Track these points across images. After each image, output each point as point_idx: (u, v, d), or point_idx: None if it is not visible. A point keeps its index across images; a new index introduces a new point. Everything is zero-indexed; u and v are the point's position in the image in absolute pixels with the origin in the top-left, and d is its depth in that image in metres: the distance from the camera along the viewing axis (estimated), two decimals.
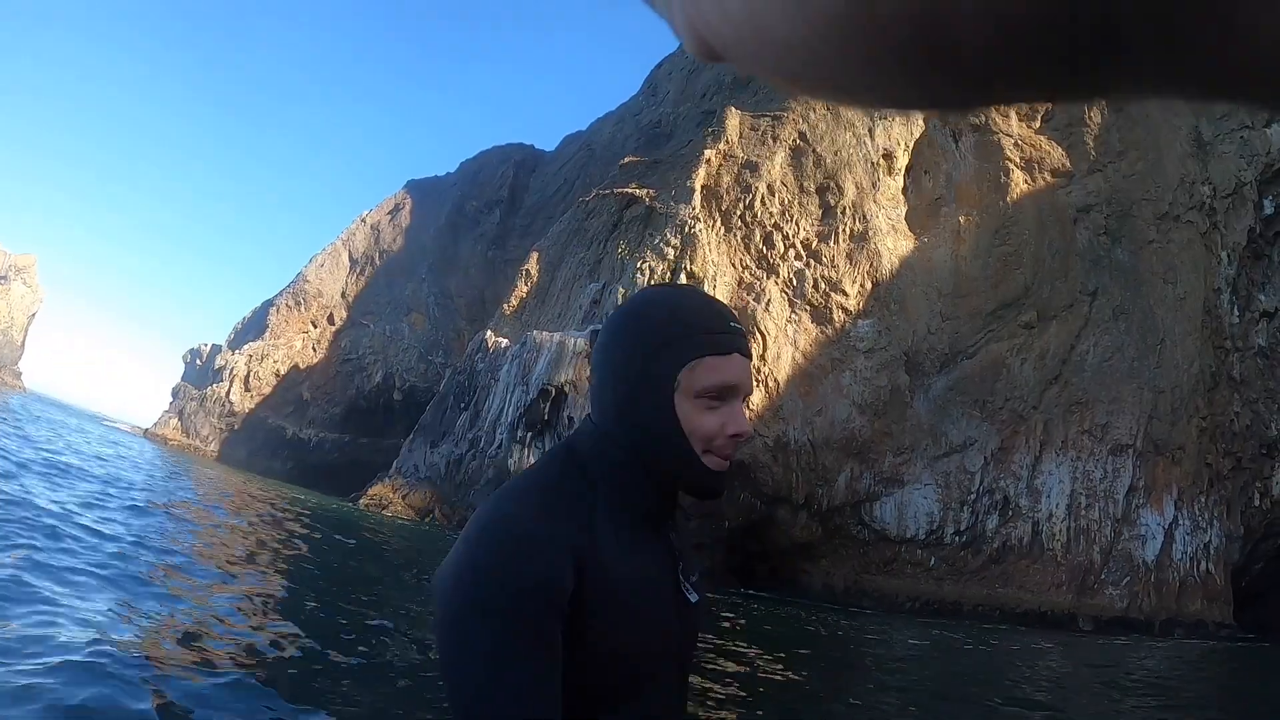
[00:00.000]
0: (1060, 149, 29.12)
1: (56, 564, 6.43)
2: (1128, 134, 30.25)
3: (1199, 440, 25.60)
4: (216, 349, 50.25)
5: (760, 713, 6.01)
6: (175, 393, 50.78)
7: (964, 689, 8.36)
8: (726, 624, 11.29)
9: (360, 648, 6.18)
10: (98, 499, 11.26)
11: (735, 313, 1.19)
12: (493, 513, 0.99)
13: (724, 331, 1.09)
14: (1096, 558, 24.06)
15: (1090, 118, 29.97)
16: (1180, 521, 24.59)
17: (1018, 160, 28.35)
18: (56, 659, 4.12)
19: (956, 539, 24.30)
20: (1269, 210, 30.27)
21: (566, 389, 23.68)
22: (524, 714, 0.88)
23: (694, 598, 1.14)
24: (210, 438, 44.82)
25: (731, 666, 7.33)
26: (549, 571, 0.94)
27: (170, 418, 48.21)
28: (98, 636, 4.75)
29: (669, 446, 1.06)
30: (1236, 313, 28.34)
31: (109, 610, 5.54)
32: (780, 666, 8.38)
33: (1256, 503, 27.34)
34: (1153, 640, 20.53)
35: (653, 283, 23.38)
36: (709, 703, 5.86)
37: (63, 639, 4.55)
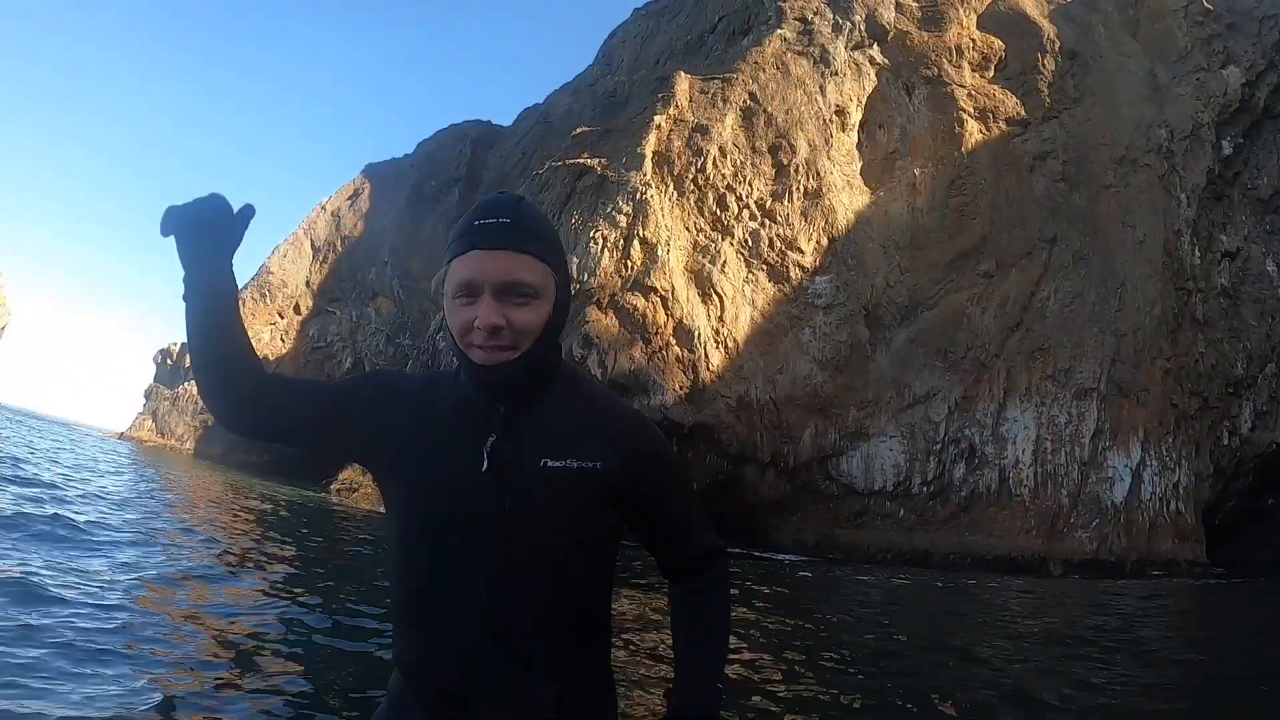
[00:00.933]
0: (1014, 98, 29.01)
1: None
2: (1083, 80, 30.14)
3: (1164, 381, 25.61)
4: (186, 347, 49.49)
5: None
6: (148, 394, 50.42)
7: (933, 638, 8.30)
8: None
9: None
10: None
11: (509, 208, 1.23)
12: None
13: (466, 233, 1.21)
14: (1065, 502, 24.14)
15: (1044, 65, 29.85)
16: (1148, 462, 24.63)
17: (971, 110, 28.22)
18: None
19: (924, 489, 24.34)
20: (1227, 151, 30.25)
21: None
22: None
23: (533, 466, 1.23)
24: (185, 436, 44.52)
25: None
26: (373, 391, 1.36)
27: (144, 419, 47.90)
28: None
29: (451, 344, 1.26)
30: (1197, 254, 28.28)
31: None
32: (747, 622, 8.35)
33: (1226, 441, 27.40)
34: (1125, 580, 20.56)
35: (606, 251, 23.21)
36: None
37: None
